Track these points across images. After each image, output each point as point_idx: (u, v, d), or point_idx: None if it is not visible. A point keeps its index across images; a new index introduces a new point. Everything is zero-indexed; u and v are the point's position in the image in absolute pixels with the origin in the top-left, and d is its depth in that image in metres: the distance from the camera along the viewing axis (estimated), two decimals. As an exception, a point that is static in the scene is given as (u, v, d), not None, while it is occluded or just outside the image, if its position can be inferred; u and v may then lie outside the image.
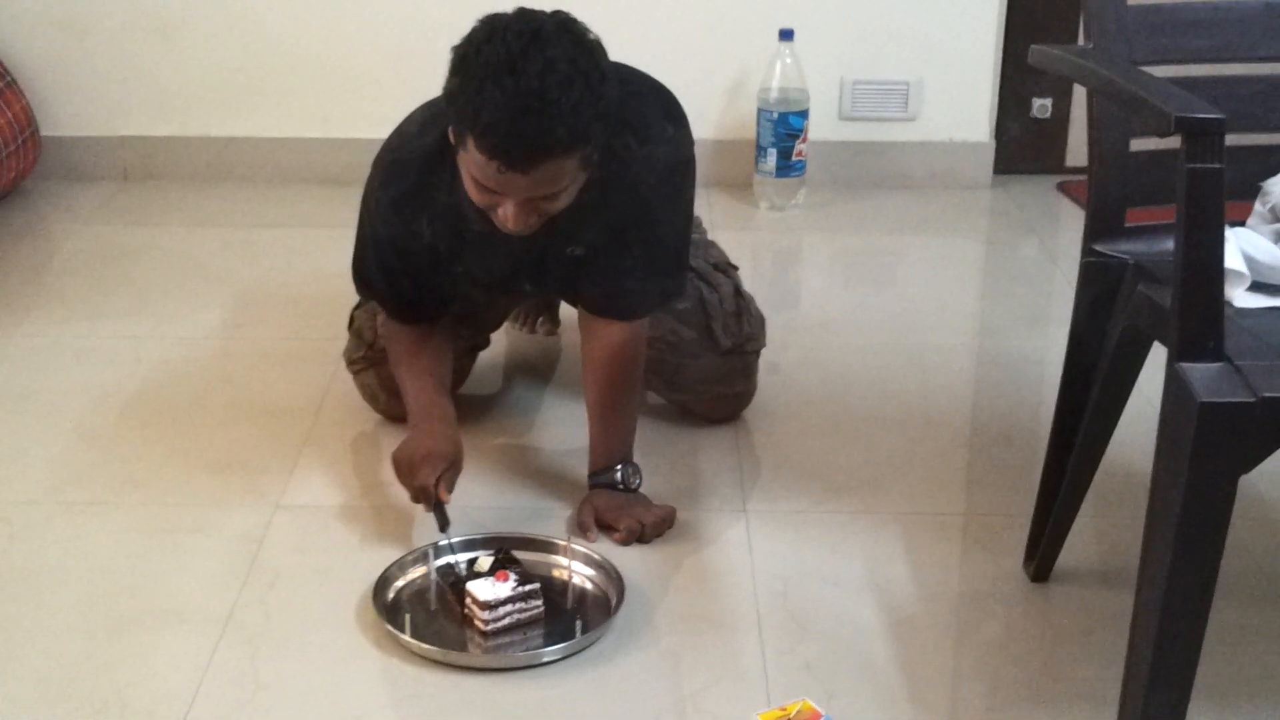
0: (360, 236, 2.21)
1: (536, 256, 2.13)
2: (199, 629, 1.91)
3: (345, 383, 2.50)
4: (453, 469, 2.08)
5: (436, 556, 2.02)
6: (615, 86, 1.90)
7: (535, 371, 2.69)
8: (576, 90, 1.81)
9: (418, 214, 2.08)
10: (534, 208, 1.90)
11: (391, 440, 2.38)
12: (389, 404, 2.41)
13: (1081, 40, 1.85)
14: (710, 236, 2.53)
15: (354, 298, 2.44)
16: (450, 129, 1.90)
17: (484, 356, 2.55)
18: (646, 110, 2.08)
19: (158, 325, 2.88)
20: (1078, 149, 3.81)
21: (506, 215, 1.90)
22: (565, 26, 1.86)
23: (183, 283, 3.11)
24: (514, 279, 2.22)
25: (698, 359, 2.38)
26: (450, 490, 2.06)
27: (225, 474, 2.30)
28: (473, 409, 2.50)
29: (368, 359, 2.39)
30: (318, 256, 3.24)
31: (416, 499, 2.05)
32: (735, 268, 2.48)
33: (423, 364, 2.20)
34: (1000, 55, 3.70)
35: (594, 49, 1.87)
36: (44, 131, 3.67)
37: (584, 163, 1.89)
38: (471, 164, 1.87)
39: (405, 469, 2.06)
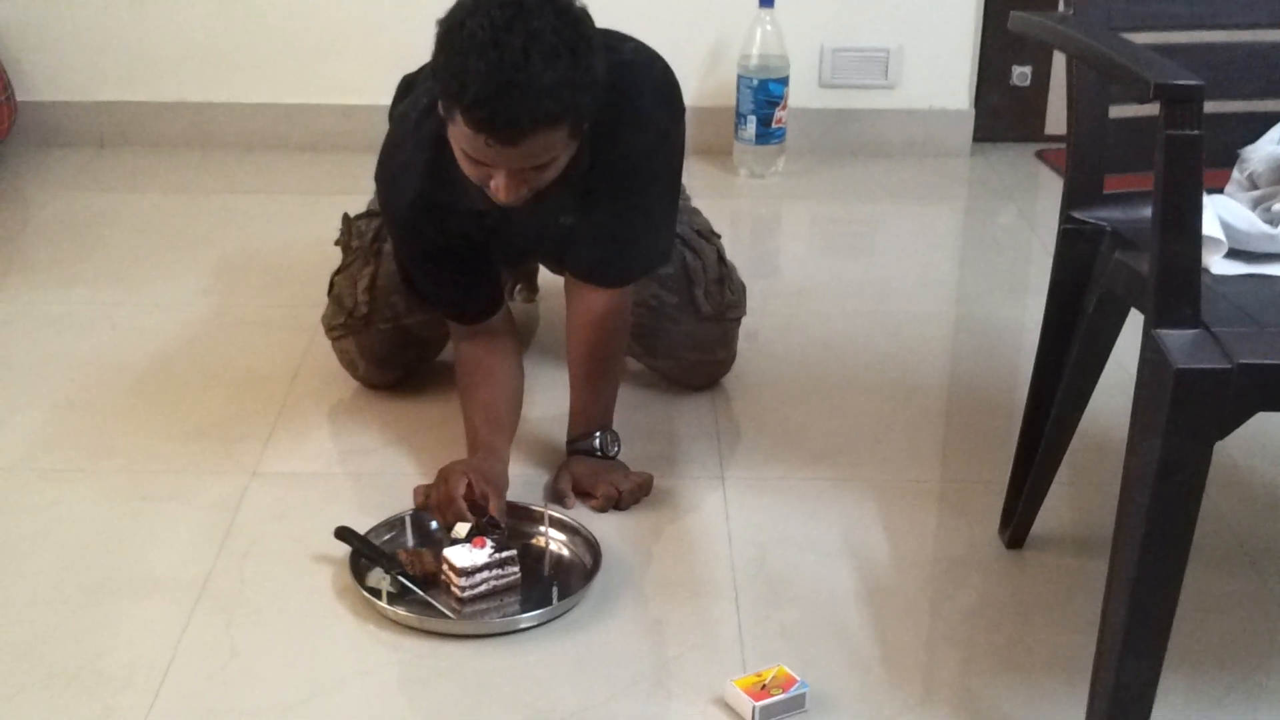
0: (396, 253, 2.23)
1: (534, 229, 2.13)
2: (174, 597, 1.90)
3: (322, 350, 2.49)
4: (495, 492, 2.01)
5: (409, 528, 2.03)
6: (602, 56, 1.89)
7: (513, 339, 2.68)
8: (562, 62, 1.80)
9: (433, 206, 2.08)
10: (524, 178, 1.90)
11: (367, 407, 2.39)
12: (367, 371, 2.41)
13: (1061, 7, 1.85)
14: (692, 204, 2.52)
15: (333, 264, 2.43)
16: (439, 104, 1.90)
17: (461, 323, 2.54)
18: (635, 76, 2.07)
19: (133, 292, 2.86)
20: (1057, 117, 3.80)
21: (498, 187, 1.89)
22: None
23: (159, 249, 3.10)
24: (511, 250, 2.23)
25: (679, 324, 2.38)
26: (502, 514, 2.00)
27: (201, 441, 2.29)
28: (451, 379, 2.49)
29: (347, 326, 2.37)
30: (295, 223, 3.22)
31: (453, 514, 1.97)
32: (718, 235, 2.48)
33: (481, 396, 2.17)
34: (980, 23, 3.69)
35: (579, 19, 1.86)
36: (19, 97, 3.64)
37: (573, 133, 1.89)
38: (461, 137, 1.87)
39: (444, 482, 2.01)
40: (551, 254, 2.34)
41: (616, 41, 2.07)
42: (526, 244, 2.24)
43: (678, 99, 2.14)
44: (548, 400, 2.38)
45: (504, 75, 1.78)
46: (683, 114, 2.15)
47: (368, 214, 2.41)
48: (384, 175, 2.15)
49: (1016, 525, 2.02)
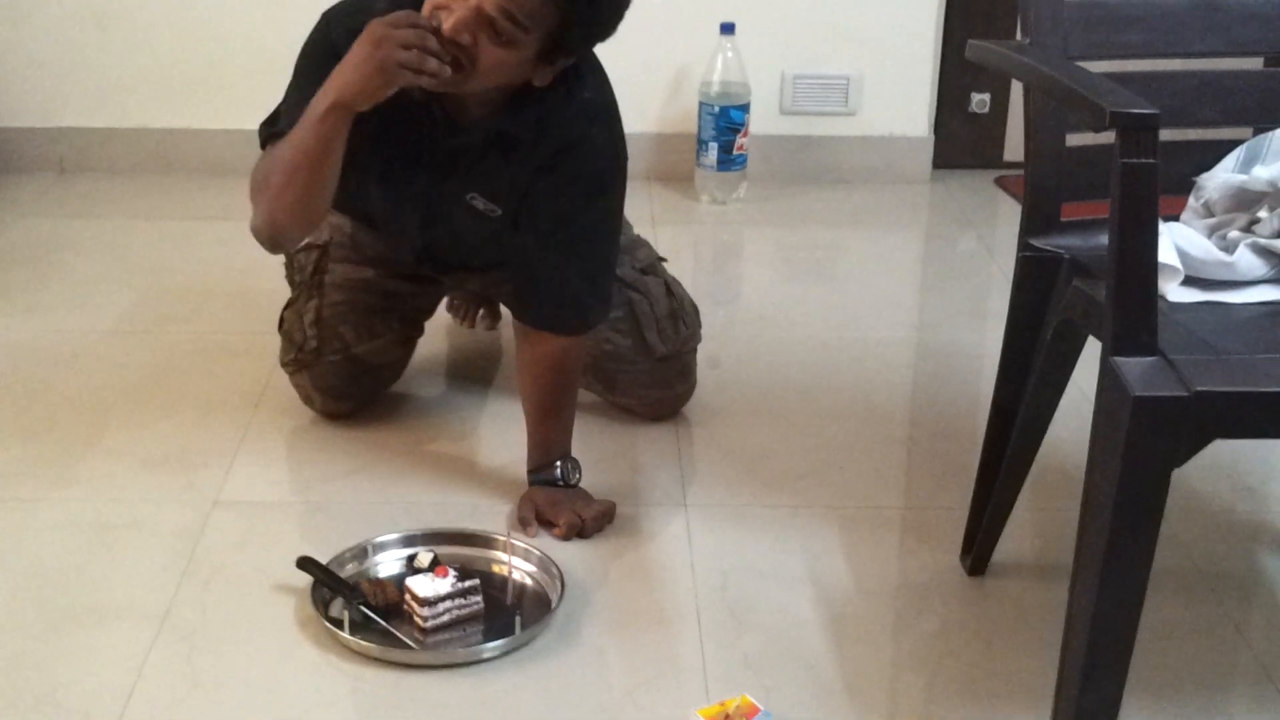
0: (289, 89, 2.22)
1: (446, 189, 2.13)
2: (135, 626, 1.89)
3: (284, 378, 2.47)
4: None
5: (371, 557, 2.02)
6: None
7: (475, 369, 2.68)
8: None
9: None
10: (479, 26, 1.87)
11: (329, 435, 2.38)
12: (324, 404, 2.40)
13: (1019, 36, 1.87)
14: (652, 231, 2.52)
15: (286, 296, 2.42)
16: None
17: (424, 354, 2.54)
18: (589, 112, 2.08)
19: (94, 318, 2.85)
20: (1016, 144, 3.83)
21: (449, 18, 1.87)
22: None
23: (120, 276, 3.08)
24: (422, 224, 2.22)
25: (635, 364, 2.38)
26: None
27: (162, 469, 2.28)
28: (414, 408, 2.49)
29: (298, 361, 2.36)
30: (257, 250, 3.19)
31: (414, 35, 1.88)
32: (664, 260, 2.46)
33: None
34: (939, 50, 3.72)
35: None
36: (-22, 123, 3.63)
37: (541, 51, 1.91)
38: None
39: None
40: (482, 259, 2.32)
41: (576, 79, 2.06)
42: (441, 228, 2.21)
43: (623, 148, 2.15)
44: (508, 431, 2.37)
45: None
46: (625, 163, 2.16)
47: (306, 248, 2.38)
48: (334, 12, 2.10)
49: (978, 551, 2.03)
